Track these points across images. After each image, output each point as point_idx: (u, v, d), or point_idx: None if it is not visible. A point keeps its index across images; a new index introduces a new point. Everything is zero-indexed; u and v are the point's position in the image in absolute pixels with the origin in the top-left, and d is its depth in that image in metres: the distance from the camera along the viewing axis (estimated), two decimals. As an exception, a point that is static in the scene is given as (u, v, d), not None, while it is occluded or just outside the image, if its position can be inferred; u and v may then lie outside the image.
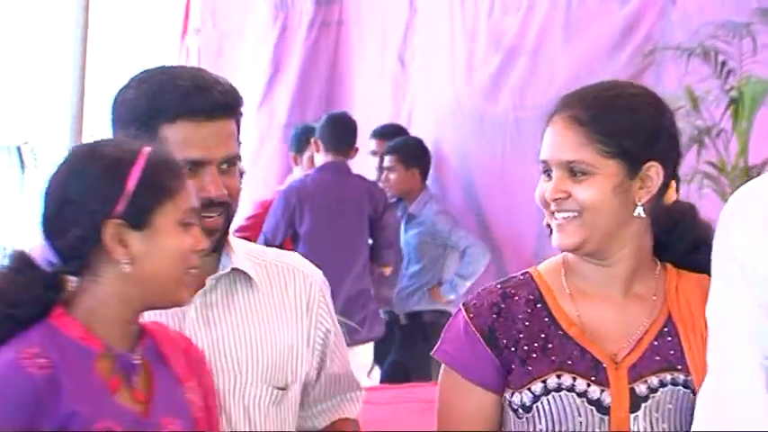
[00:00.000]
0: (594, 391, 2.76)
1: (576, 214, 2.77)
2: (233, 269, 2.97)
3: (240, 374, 2.95)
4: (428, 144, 8.04)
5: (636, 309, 2.80)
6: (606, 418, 2.75)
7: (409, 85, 8.38)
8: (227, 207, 2.91)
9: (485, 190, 8.00)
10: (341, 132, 7.77)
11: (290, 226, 7.65)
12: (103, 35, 7.61)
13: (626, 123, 2.81)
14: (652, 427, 2.74)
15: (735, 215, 2.70)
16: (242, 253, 3.02)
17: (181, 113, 2.84)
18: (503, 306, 2.85)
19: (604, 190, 2.77)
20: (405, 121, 8.34)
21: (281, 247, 7.49)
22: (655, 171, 2.81)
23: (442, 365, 2.89)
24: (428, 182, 7.89)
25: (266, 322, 2.99)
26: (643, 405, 2.75)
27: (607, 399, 2.76)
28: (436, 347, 2.90)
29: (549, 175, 2.81)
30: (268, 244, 7.55)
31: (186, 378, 2.73)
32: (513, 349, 2.81)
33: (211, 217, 2.87)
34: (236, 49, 8.91)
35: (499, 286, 2.90)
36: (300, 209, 7.58)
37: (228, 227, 2.96)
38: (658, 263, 2.87)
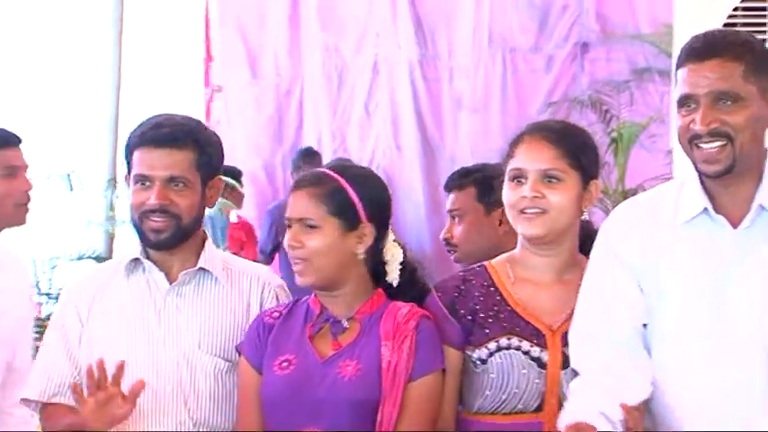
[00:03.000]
0: (536, 351, 2.82)
1: (542, 211, 2.83)
2: (200, 268, 3.04)
3: (197, 348, 3.01)
4: (388, 173, 8.06)
5: (566, 290, 2.83)
6: (543, 371, 2.81)
7: (372, 128, 8.41)
8: (170, 215, 2.97)
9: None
10: (309, 161, 7.62)
11: (276, 238, 7.47)
12: (135, 82, 7.59)
13: (582, 145, 2.91)
14: None
15: (612, 222, 2.81)
16: (216, 259, 3.09)
17: (141, 142, 2.97)
18: (462, 288, 2.92)
19: (570, 195, 2.85)
20: (369, 155, 8.35)
21: (270, 256, 7.53)
22: (594, 186, 2.91)
23: None
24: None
25: (224, 311, 3.05)
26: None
27: (545, 357, 2.81)
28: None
29: (518, 182, 2.87)
30: (262, 254, 7.56)
31: (387, 337, 2.84)
32: (470, 318, 2.87)
33: (156, 221, 2.97)
34: (250, 104, 8.86)
35: (461, 274, 2.98)
36: (282, 224, 7.39)
37: (182, 232, 3.01)
38: (583, 256, 2.91)
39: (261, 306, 3.07)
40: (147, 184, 2.96)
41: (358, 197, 2.91)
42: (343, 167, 3.11)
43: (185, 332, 3.02)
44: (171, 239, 3.00)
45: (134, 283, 3.07)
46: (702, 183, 2.68)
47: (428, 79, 8.07)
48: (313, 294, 2.97)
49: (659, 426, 2.73)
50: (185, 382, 3.00)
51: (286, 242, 2.93)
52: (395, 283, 2.99)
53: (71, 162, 7.25)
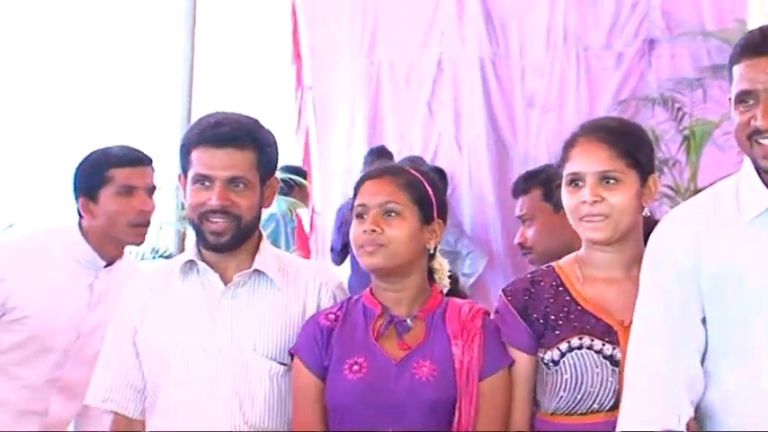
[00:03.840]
0: (608, 349, 2.80)
1: (605, 216, 2.81)
2: (255, 270, 3.02)
3: (253, 351, 2.98)
4: (458, 173, 8.05)
5: (635, 285, 2.78)
6: (617, 369, 2.78)
7: (435, 127, 8.40)
8: (230, 216, 2.96)
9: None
10: (381, 160, 7.51)
11: (345, 236, 7.44)
12: (206, 83, 7.66)
13: (637, 141, 2.89)
14: None
15: (669, 229, 2.71)
16: (271, 260, 3.06)
17: (201, 140, 2.95)
18: (532, 290, 2.90)
19: (629, 195, 2.83)
20: (432, 153, 8.34)
21: (341, 254, 7.54)
22: (653, 181, 2.89)
23: None
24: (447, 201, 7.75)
25: (280, 313, 3.03)
26: None
27: (618, 354, 2.79)
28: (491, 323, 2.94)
29: (576, 186, 2.85)
30: (333, 252, 7.55)
31: (455, 336, 2.84)
32: (542, 321, 2.85)
33: (216, 222, 2.95)
34: (332, 104, 8.86)
35: (529, 276, 2.96)
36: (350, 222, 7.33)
37: (242, 234, 3.00)
38: None
39: (318, 307, 3.06)
40: (207, 184, 2.94)
41: (433, 193, 2.92)
42: (416, 166, 3.12)
43: (241, 335, 2.99)
44: (231, 241, 2.99)
45: (189, 285, 3.05)
46: (762, 180, 2.62)
47: (500, 78, 8.03)
48: (367, 292, 2.96)
49: None
50: (240, 385, 2.98)
51: (358, 230, 2.89)
52: (444, 291, 3.01)
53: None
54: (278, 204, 7.29)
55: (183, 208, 7.11)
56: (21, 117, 8.90)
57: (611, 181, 2.82)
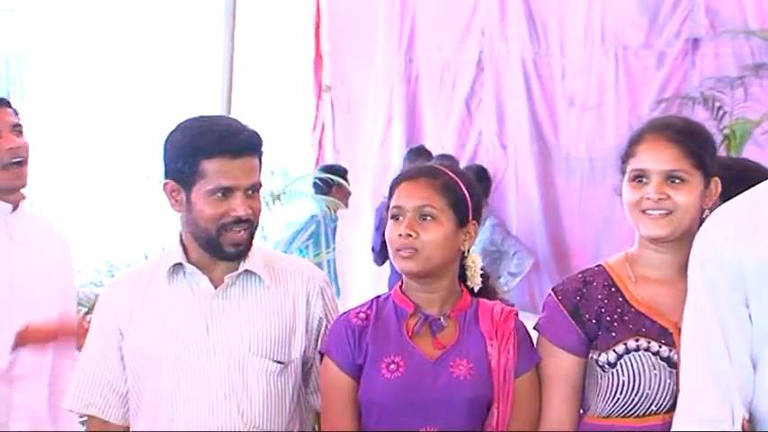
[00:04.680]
0: (665, 351, 2.79)
1: (668, 212, 2.80)
2: (245, 270, 3.00)
3: (248, 351, 2.98)
4: (502, 172, 8.04)
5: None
6: (674, 371, 2.76)
7: (474, 126, 8.39)
8: (250, 224, 2.95)
9: (565, 211, 8.00)
10: (420, 159, 7.59)
11: (383, 236, 7.33)
12: (246, 85, 7.65)
13: (704, 144, 2.87)
14: None
15: (714, 230, 2.71)
16: (259, 259, 3.04)
17: (217, 151, 2.89)
18: (584, 290, 2.88)
19: (694, 195, 2.82)
20: (470, 152, 8.33)
21: (382, 254, 7.46)
22: (715, 184, 2.87)
23: (539, 336, 2.91)
24: (490, 200, 7.78)
25: (272, 312, 3.02)
26: None
27: (674, 356, 2.77)
28: (536, 323, 2.94)
29: (640, 182, 2.83)
30: (374, 252, 7.52)
31: (490, 336, 2.86)
32: (594, 321, 2.83)
33: (239, 232, 2.93)
34: (360, 102, 8.90)
35: (580, 275, 2.94)
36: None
37: (252, 239, 2.99)
38: None
39: (307, 302, 3.06)
40: (227, 194, 2.91)
41: (468, 195, 2.91)
42: (452, 166, 3.10)
43: (236, 337, 2.98)
44: (245, 250, 2.99)
45: (176, 288, 3.03)
46: None
47: (542, 77, 8.02)
48: (397, 290, 2.96)
49: None
50: (237, 386, 2.97)
51: (394, 232, 2.89)
52: (476, 289, 3.00)
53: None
54: (318, 204, 7.29)
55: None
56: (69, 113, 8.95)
57: (677, 180, 2.81)
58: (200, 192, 2.92)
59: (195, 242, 3.00)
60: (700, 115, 6.79)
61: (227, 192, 2.91)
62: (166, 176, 3.00)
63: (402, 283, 2.98)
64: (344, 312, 2.98)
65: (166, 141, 3.00)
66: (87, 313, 5.05)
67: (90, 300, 5.31)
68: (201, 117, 3.05)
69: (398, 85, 8.63)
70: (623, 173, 2.89)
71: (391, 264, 7.14)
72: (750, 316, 2.65)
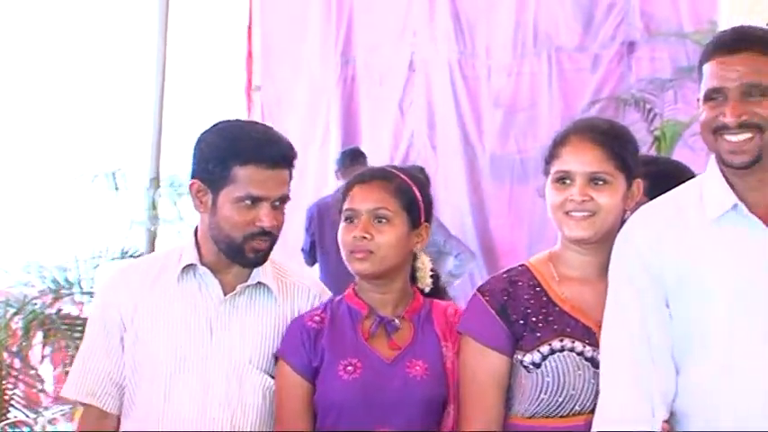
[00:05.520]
0: (589, 351, 2.79)
1: (591, 214, 2.80)
2: (258, 282, 2.99)
3: (248, 363, 2.96)
4: (433, 173, 7.99)
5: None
6: (598, 371, 2.75)
7: (406, 127, 8.40)
8: (272, 236, 2.94)
9: (492, 212, 8.02)
10: (355, 161, 7.46)
11: (312, 236, 7.34)
12: (179, 84, 7.61)
13: (627, 146, 2.87)
14: None
15: (636, 228, 2.74)
16: (271, 271, 3.03)
17: (252, 159, 2.88)
18: (510, 290, 2.87)
19: (617, 197, 2.82)
20: (403, 153, 8.34)
21: (311, 253, 7.47)
22: (637, 185, 2.87)
23: (463, 336, 2.89)
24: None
25: (277, 327, 2.99)
26: None
27: (598, 356, 2.76)
28: (459, 323, 2.92)
29: (564, 183, 2.83)
30: (304, 252, 7.51)
31: (444, 337, 2.88)
32: (521, 322, 2.82)
33: (263, 243, 2.92)
34: (291, 102, 8.87)
35: (505, 275, 2.93)
36: (320, 222, 7.25)
37: (271, 250, 2.97)
38: None
39: None
40: (255, 203, 2.89)
41: (421, 197, 2.94)
42: (401, 168, 3.13)
43: (237, 346, 2.96)
44: (264, 258, 2.97)
45: (186, 288, 3.00)
46: (726, 179, 2.65)
47: (467, 78, 8.05)
48: (350, 292, 2.97)
49: None
50: (233, 397, 2.94)
51: (347, 234, 2.90)
52: (426, 290, 3.02)
53: (116, 161, 7.26)
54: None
55: (154, 208, 7.12)
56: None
57: (600, 182, 2.81)
58: (228, 197, 2.89)
59: (214, 245, 2.97)
60: (631, 117, 6.85)
61: (255, 201, 2.88)
62: (194, 176, 2.97)
63: (355, 284, 2.99)
64: (299, 316, 2.98)
65: (199, 141, 2.97)
66: (15, 314, 5.00)
67: (19, 300, 5.26)
68: (240, 121, 3.05)
69: (335, 86, 8.62)
70: (547, 174, 2.89)
71: (321, 265, 7.15)
72: (671, 316, 2.67)
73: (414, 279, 3.02)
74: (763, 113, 2.56)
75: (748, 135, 2.57)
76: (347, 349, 2.88)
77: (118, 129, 8.19)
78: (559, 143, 2.88)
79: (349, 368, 2.85)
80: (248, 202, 2.88)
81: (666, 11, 7.39)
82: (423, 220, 2.96)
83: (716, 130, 2.60)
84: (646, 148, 6.78)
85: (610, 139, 2.84)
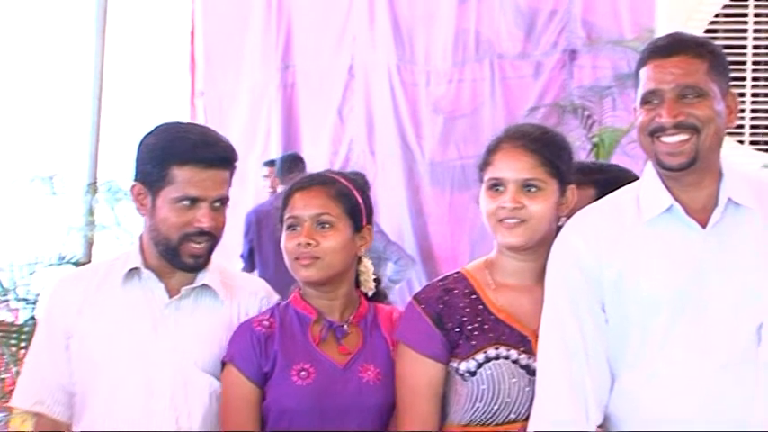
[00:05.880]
0: (524, 359, 2.78)
1: (523, 221, 2.80)
2: (203, 284, 2.97)
3: (194, 366, 2.94)
4: (372, 179, 8.00)
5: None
6: (533, 378, 2.75)
7: (345, 133, 8.39)
8: (212, 237, 2.92)
9: (431, 217, 8.02)
10: (293, 167, 7.47)
11: (251, 243, 7.36)
12: (119, 89, 7.58)
13: (560, 153, 2.87)
14: None
15: (573, 233, 2.75)
16: (216, 274, 3.01)
17: (190, 159, 2.87)
18: (446, 298, 2.85)
19: (549, 203, 2.82)
20: (342, 159, 8.34)
21: (249, 259, 7.44)
22: (571, 191, 2.88)
23: (400, 344, 2.88)
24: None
25: (223, 329, 2.97)
26: None
27: (533, 364, 2.76)
28: (396, 331, 2.91)
29: (497, 191, 2.83)
30: (243, 258, 7.48)
31: (393, 342, 2.90)
32: (457, 330, 2.81)
33: (200, 244, 2.90)
34: (231, 108, 8.84)
35: (440, 283, 2.91)
36: (258, 228, 7.29)
37: (212, 252, 2.95)
38: None
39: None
40: (193, 204, 2.87)
41: (362, 200, 2.95)
42: (340, 172, 3.13)
43: (182, 348, 2.94)
44: (204, 263, 2.95)
45: (130, 292, 2.97)
46: (663, 182, 2.67)
47: (405, 84, 8.07)
48: (297, 297, 2.96)
49: None
50: (179, 400, 2.92)
51: (291, 242, 2.89)
52: (369, 294, 3.03)
53: (54, 165, 7.19)
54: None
55: (91, 214, 7.05)
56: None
57: (533, 189, 2.81)
58: (166, 198, 2.88)
59: (155, 248, 2.94)
60: (570, 123, 6.90)
61: (193, 201, 2.86)
62: (135, 179, 2.95)
63: (299, 289, 2.98)
64: (246, 321, 2.96)
65: (140, 144, 2.95)
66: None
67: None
68: (178, 123, 3.03)
69: (275, 91, 8.60)
70: (481, 181, 2.88)
71: (259, 271, 7.10)
72: (606, 320, 2.68)
73: (357, 283, 3.02)
74: (698, 114, 2.59)
75: (685, 136, 2.59)
76: (299, 354, 2.87)
77: (56, 133, 8.12)
78: (492, 150, 2.87)
79: (302, 373, 2.84)
80: (186, 202, 2.87)
81: (607, 19, 7.45)
82: (365, 222, 2.96)
83: (653, 133, 2.62)
84: (584, 155, 6.83)
85: (542, 145, 2.84)
